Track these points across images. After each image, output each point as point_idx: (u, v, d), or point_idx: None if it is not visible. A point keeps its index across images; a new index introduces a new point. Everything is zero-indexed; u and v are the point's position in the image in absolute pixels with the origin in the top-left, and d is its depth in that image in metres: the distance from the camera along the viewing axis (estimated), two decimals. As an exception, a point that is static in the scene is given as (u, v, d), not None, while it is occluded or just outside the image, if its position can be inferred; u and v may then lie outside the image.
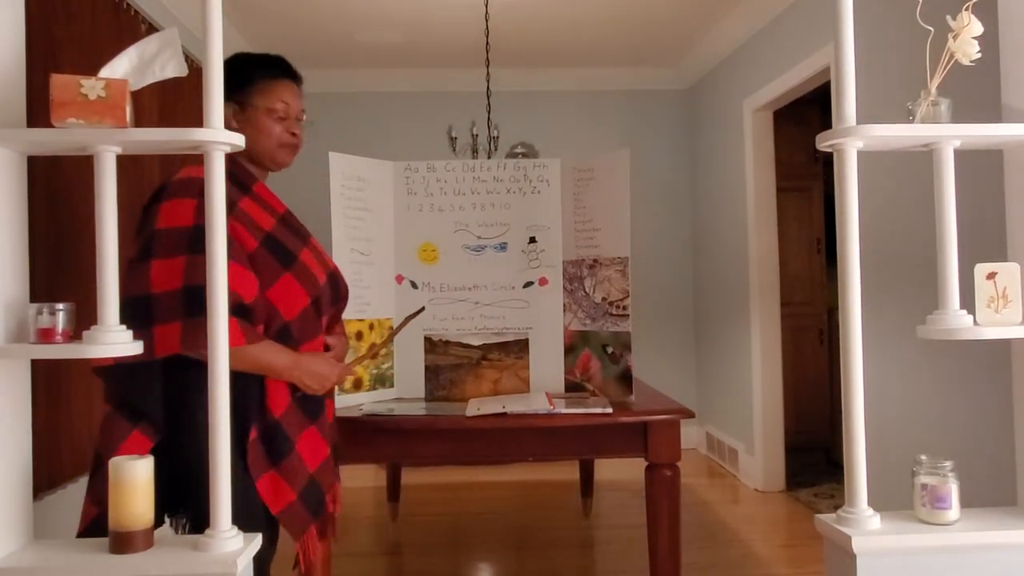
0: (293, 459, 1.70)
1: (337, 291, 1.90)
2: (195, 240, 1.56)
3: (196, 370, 1.53)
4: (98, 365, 1.61)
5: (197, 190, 1.57)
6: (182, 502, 1.66)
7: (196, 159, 1.49)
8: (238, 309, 1.60)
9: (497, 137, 4.10)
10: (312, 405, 1.77)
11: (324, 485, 1.76)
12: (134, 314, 1.53)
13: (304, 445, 1.73)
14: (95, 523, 1.58)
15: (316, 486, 1.74)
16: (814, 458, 5.02)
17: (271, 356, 1.67)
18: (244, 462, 1.64)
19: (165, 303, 1.57)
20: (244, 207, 1.74)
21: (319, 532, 1.76)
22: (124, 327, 1.40)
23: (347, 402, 2.32)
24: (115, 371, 1.61)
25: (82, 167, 2.57)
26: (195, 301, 1.52)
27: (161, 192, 1.69)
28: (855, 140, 1.55)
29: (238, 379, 1.56)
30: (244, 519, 1.48)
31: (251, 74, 1.82)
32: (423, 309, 2.40)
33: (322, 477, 1.76)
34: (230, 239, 1.53)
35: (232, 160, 1.71)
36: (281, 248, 1.74)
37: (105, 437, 1.61)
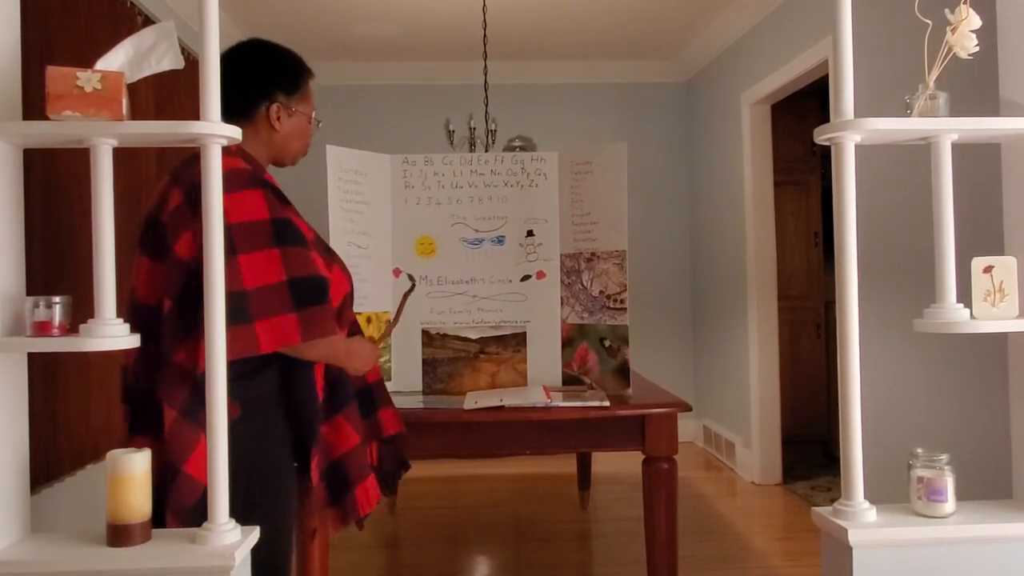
0: (320, 445, 1.72)
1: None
2: (280, 233, 1.59)
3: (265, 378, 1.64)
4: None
5: (254, 181, 1.61)
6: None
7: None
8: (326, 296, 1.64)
9: (495, 130, 4.09)
10: (338, 396, 1.79)
11: (352, 474, 1.77)
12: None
13: (328, 432, 1.76)
14: None
15: (341, 472, 1.76)
16: (811, 451, 5.03)
17: (340, 344, 1.73)
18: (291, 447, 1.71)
19: (267, 298, 1.54)
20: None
21: (337, 518, 1.77)
22: (121, 320, 1.40)
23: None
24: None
25: (79, 160, 2.57)
26: (303, 293, 1.57)
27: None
28: (853, 133, 1.55)
29: (298, 369, 1.67)
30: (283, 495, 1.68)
31: (304, 76, 1.81)
32: (414, 284, 2.40)
33: (349, 465, 1.77)
34: (299, 228, 1.63)
35: (244, 152, 1.70)
36: (323, 240, 1.81)
37: (176, 445, 1.52)
